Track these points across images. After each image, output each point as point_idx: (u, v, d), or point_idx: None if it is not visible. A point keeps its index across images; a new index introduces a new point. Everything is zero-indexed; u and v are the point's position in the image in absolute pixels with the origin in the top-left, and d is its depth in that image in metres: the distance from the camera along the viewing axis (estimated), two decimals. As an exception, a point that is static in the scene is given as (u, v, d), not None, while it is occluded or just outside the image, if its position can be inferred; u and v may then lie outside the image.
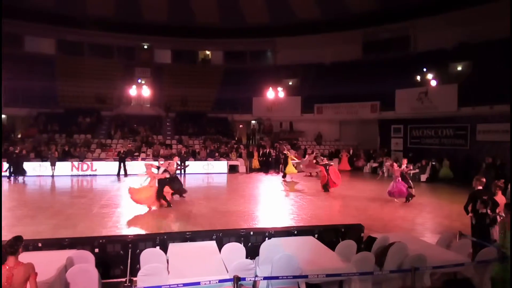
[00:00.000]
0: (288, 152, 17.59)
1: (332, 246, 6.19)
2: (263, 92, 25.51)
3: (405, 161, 12.97)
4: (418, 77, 23.03)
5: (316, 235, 7.11)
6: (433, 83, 21.11)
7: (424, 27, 25.53)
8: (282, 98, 25.55)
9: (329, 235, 7.30)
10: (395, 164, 12.89)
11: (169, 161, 12.34)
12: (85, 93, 26.39)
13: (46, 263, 5.25)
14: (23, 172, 16.90)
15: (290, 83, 29.94)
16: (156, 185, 10.46)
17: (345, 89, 24.64)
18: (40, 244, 6.53)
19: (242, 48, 32.36)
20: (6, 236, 4.16)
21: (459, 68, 23.45)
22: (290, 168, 16.73)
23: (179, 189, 11.88)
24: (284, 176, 17.11)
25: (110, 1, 27.35)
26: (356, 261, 5.28)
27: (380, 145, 24.13)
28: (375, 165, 21.67)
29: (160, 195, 10.51)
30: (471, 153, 18.69)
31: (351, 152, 22.70)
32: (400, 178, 12.17)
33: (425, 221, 10.00)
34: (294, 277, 5.06)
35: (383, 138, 24.29)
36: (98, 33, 29.04)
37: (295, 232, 7.40)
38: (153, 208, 10.43)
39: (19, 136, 23.12)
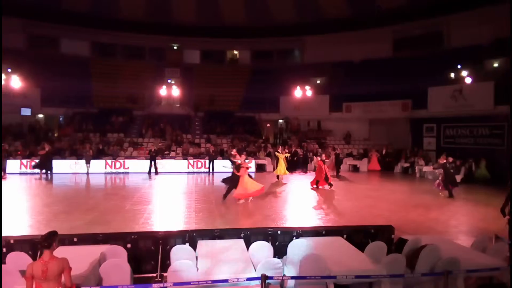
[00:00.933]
0: (279, 152, 16.68)
1: (361, 247, 6.10)
2: (291, 91, 25.40)
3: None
4: (452, 74, 22.20)
5: (344, 236, 7.03)
6: (468, 80, 20.30)
7: (458, 23, 24.54)
8: (309, 97, 25.35)
9: (358, 236, 7.20)
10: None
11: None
12: (118, 93, 27.26)
13: (81, 257, 5.47)
14: (50, 168, 17.55)
15: (318, 82, 29.64)
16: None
17: (375, 87, 24.15)
18: (75, 239, 6.82)
19: (270, 47, 32.36)
20: (44, 231, 4.37)
21: (496, 65, 22.39)
22: (281, 169, 16.21)
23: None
24: (278, 178, 16.63)
25: (141, 3, 28.04)
26: (386, 263, 5.19)
27: (412, 144, 23.48)
28: (406, 165, 21.12)
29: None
30: (508, 153, 17.86)
31: (384, 152, 22.21)
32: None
33: (459, 223, 9.66)
34: (322, 277, 5.03)
35: (414, 138, 23.62)
36: (130, 35, 29.92)
37: (323, 232, 7.35)
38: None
39: (56, 135, 24.15)
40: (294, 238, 7.02)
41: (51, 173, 17.63)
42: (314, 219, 9.32)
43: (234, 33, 30.79)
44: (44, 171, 17.33)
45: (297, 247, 6.02)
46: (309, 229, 7.78)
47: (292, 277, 5.25)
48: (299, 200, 12.15)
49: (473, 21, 23.31)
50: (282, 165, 16.20)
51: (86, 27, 28.75)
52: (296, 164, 21.03)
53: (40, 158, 17.60)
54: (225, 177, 12.62)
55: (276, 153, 16.98)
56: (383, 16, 26.66)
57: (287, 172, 16.50)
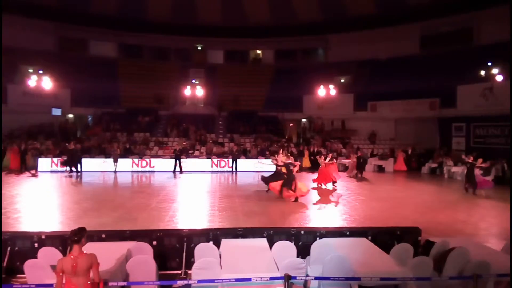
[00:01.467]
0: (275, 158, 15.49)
1: (386, 249, 6.00)
2: (314, 90, 25.21)
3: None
4: (482, 72, 21.40)
5: (369, 237, 6.93)
6: (499, 78, 19.54)
7: (489, 18, 23.62)
8: (333, 96, 25.09)
9: (383, 237, 7.08)
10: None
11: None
12: (144, 93, 27.85)
13: (108, 253, 5.63)
14: (76, 165, 18.11)
15: (342, 81, 29.29)
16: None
17: (401, 86, 23.63)
18: (103, 235, 7.02)
19: (293, 46, 32.23)
20: (73, 227, 4.52)
21: (528, 62, 21.45)
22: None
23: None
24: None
25: (167, 4, 28.53)
26: (413, 266, 5.08)
27: (440, 144, 22.82)
28: (434, 165, 20.56)
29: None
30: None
31: (409, 152, 21.71)
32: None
33: (490, 226, 9.32)
34: (347, 278, 4.97)
35: (443, 137, 22.96)
36: (156, 36, 30.51)
37: (348, 233, 7.27)
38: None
39: (85, 134, 24.92)
40: (318, 238, 6.98)
41: (80, 171, 18.27)
42: (338, 220, 9.22)
43: (257, 33, 30.85)
44: (68, 168, 17.92)
45: (321, 248, 5.99)
46: (333, 230, 7.71)
47: (316, 278, 5.22)
48: (322, 200, 12.05)
49: (504, 17, 22.38)
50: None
51: (113, 29, 29.53)
52: (319, 164, 20.80)
53: (67, 155, 18.21)
54: (266, 175, 13.33)
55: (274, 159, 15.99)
56: (410, 12, 26.04)
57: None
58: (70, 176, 17.15)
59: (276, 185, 11.96)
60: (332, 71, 28.51)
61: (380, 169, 21.45)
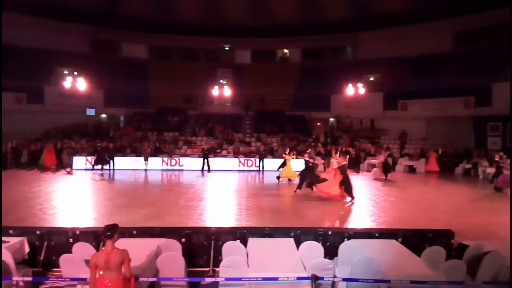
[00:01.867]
0: (286, 154, 15.66)
1: (417, 252, 5.86)
2: (342, 89, 24.85)
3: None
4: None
5: (399, 239, 6.79)
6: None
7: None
8: (362, 95, 24.64)
9: (414, 240, 6.92)
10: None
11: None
12: (174, 94, 28.42)
13: (139, 249, 5.79)
14: (105, 163, 18.66)
15: (372, 79, 28.73)
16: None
17: (433, 84, 22.92)
18: (134, 232, 7.24)
19: (321, 44, 31.93)
20: (106, 223, 4.68)
21: None
22: (287, 171, 15.29)
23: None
24: (278, 178, 15.69)
25: (195, 6, 28.96)
26: (445, 269, 4.94)
27: (475, 144, 21.95)
28: (468, 166, 19.80)
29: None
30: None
31: (442, 152, 21.01)
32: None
33: (529, 230, 8.87)
34: (376, 281, 4.89)
35: (478, 137, 22.08)
36: (185, 38, 31.05)
37: (377, 235, 7.15)
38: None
39: (117, 133, 25.73)
40: (346, 239, 6.90)
41: (113, 168, 18.89)
42: (366, 221, 9.06)
43: (284, 32, 30.79)
44: (97, 166, 18.47)
45: (349, 249, 5.92)
46: (362, 231, 7.60)
47: (344, 279, 5.17)
48: (351, 201, 11.87)
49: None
50: (289, 167, 15.26)
51: (144, 31, 30.29)
52: (348, 164, 20.53)
53: (97, 154, 18.81)
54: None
55: (284, 155, 15.95)
56: (443, 7, 25.17)
57: (296, 174, 14.89)
58: (101, 174, 17.69)
59: (326, 186, 11.63)
60: (361, 69, 28.03)
61: (411, 169, 20.88)
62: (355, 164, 20.44)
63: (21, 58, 24.25)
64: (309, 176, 12.88)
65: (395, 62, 27.02)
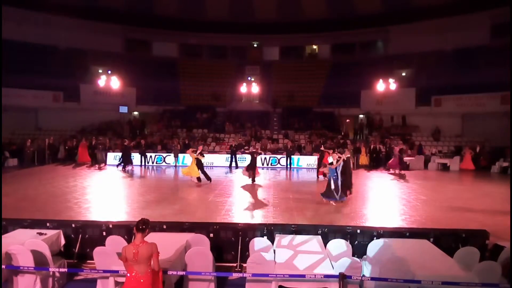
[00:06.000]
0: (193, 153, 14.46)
1: (450, 252, 5.67)
2: (373, 85, 24.29)
3: None
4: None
5: (431, 239, 6.60)
6: None
7: None
8: (393, 90, 23.97)
9: (447, 240, 6.71)
10: None
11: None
12: (203, 91, 28.80)
13: (169, 243, 5.94)
14: (130, 162, 18.78)
15: (403, 74, 27.92)
16: None
17: (469, 79, 21.98)
18: (164, 226, 7.42)
19: (351, 39, 31.34)
20: (137, 217, 4.82)
21: None
22: (193, 170, 14.22)
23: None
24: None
25: (224, 4, 29.16)
26: (479, 271, 4.76)
27: (513, 141, 20.88)
28: (505, 164, 18.89)
29: None
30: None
31: (478, 150, 20.16)
32: None
33: None
34: (405, 281, 4.78)
35: (516, 134, 20.98)
36: (214, 36, 31.35)
37: (407, 234, 6.98)
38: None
39: (149, 130, 26.38)
40: (375, 238, 6.78)
41: (144, 164, 19.39)
42: (396, 220, 8.85)
43: (313, 27, 30.45)
44: (122, 164, 18.53)
45: (378, 248, 5.82)
46: (391, 230, 7.44)
47: (372, 278, 5.09)
48: (380, 199, 11.63)
49: None
50: (194, 166, 14.05)
51: (174, 30, 30.82)
52: (378, 162, 20.17)
53: (122, 151, 19.21)
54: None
55: (188, 151, 15.06)
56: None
57: (198, 173, 14.02)
58: (125, 171, 17.82)
59: None
60: (392, 64, 27.33)
61: (445, 167, 20.17)
62: (385, 162, 19.98)
63: (59, 58, 25.33)
64: (251, 167, 14.08)
65: (429, 56, 26.14)
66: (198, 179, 13.77)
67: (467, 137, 23.39)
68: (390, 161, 18.22)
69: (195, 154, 13.69)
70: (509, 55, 19.07)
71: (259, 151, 15.81)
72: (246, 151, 18.02)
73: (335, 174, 10.42)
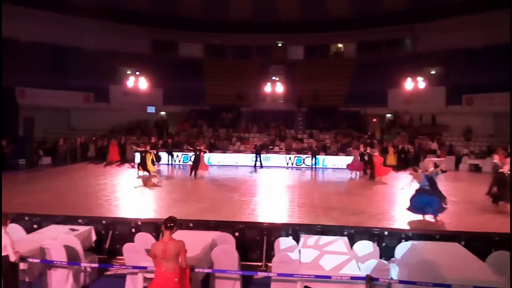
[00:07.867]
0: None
1: (482, 256, 5.49)
2: (400, 83, 23.71)
3: None
4: None
5: (462, 242, 6.41)
6: None
7: None
8: (422, 89, 23.33)
9: (479, 243, 6.50)
10: None
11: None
12: (228, 91, 28.99)
13: (196, 241, 6.04)
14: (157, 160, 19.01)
15: (433, 72, 27.12)
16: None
17: (502, 76, 21.05)
18: (191, 224, 7.55)
19: (377, 37, 30.65)
20: (165, 215, 4.92)
21: None
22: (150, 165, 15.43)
23: None
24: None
25: (248, 4, 29.25)
26: (513, 276, 4.58)
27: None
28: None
29: None
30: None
31: (508, 150, 19.30)
32: None
33: None
34: (435, 284, 4.68)
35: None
36: (239, 36, 31.50)
37: (437, 237, 6.81)
38: None
39: (175, 130, 26.84)
40: (403, 240, 6.66)
41: (171, 163, 19.79)
42: (425, 222, 8.63)
43: (338, 26, 30.02)
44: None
45: (407, 250, 5.72)
46: (420, 232, 7.27)
47: (401, 281, 5.01)
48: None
49: None
50: (149, 162, 15.42)
51: (199, 31, 31.20)
52: (407, 162, 19.70)
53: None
54: None
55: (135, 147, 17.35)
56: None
57: (154, 170, 15.73)
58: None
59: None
60: (420, 62, 26.56)
61: (477, 168, 19.49)
62: (414, 162, 19.49)
63: (90, 60, 26.13)
64: (195, 166, 15.42)
65: (459, 53, 25.29)
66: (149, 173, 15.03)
67: (500, 137, 22.49)
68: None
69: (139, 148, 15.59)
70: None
71: (204, 150, 16.38)
72: (190, 148, 18.01)
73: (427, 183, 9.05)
